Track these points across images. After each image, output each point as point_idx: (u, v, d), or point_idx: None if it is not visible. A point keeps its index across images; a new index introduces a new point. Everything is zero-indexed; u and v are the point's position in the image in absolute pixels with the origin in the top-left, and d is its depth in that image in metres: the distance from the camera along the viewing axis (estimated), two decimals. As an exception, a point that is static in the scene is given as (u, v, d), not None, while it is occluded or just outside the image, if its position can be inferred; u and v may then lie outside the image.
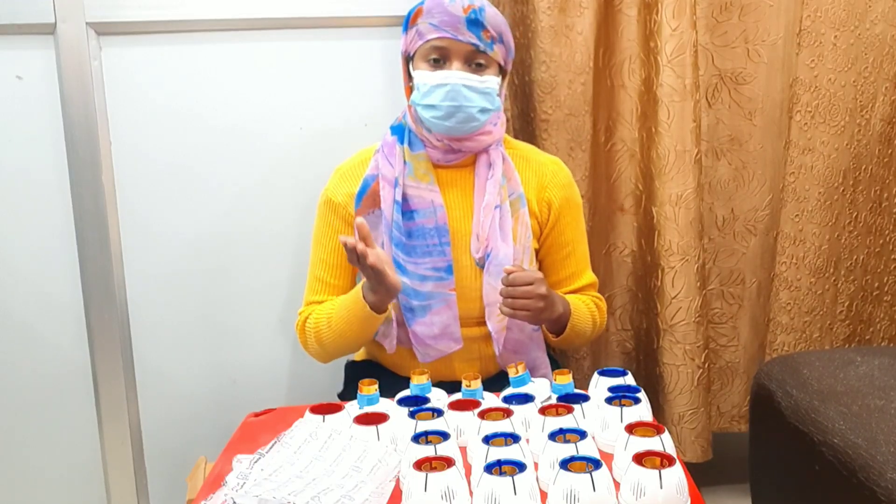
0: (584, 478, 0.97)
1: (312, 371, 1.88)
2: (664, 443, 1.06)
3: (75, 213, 1.79)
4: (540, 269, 1.60)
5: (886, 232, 2.01)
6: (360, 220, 1.38)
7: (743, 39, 1.86)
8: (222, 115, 1.82)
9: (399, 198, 1.50)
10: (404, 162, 1.52)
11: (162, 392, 1.90)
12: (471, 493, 1.03)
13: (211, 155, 1.83)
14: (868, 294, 2.03)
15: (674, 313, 1.83)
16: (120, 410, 1.87)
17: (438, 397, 1.33)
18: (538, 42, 1.78)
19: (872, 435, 1.27)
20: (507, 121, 1.84)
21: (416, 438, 1.10)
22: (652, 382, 1.91)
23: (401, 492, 1.08)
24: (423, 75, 1.48)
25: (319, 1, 1.79)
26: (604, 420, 1.18)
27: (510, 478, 0.97)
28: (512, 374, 1.33)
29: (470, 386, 1.30)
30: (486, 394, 1.31)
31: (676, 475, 0.99)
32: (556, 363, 1.65)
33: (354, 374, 1.64)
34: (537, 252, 1.59)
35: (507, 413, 1.17)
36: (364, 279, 1.46)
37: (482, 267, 1.52)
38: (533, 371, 1.53)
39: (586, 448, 1.05)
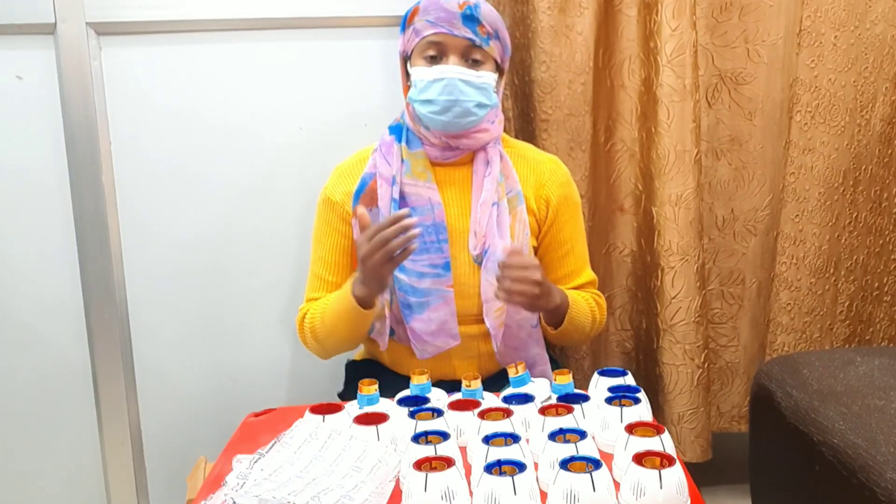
0: (584, 478, 0.97)
1: (312, 371, 1.88)
2: (664, 443, 1.06)
3: (75, 213, 1.79)
4: None
5: (886, 232, 2.01)
6: (361, 209, 1.41)
7: (743, 39, 1.86)
8: (222, 114, 1.82)
9: (396, 195, 1.51)
10: (402, 160, 1.53)
11: (162, 392, 1.91)
12: (471, 493, 1.03)
13: (211, 155, 1.83)
14: (868, 294, 2.03)
15: (673, 313, 1.83)
16: (120, 410, 1.87)
17: (438, 397, 1.33)
18: (538, 42, 1.78)
19: (872, 435, 1.27)
20: (508, 120, 1.84)
21: (416, 438, 1.10)
22: (652, 382, 1.91)
23: (401, 492, 1.08)
24: (420, 71, 1.49)
25: (319, 1, 1.80)
26: (604, 420, 1.18)
27: (510, 478, 0.97)
28: (512, 374, 1.33)
29: (470, 386, 1.30)
30: (486, 394, 1.32)
31: (676, 475, 0.99)
32: (556, 363, 1.65)
33: (354, 374, 1.65)
34: (536, 250, 1.59)
35: (507, 413, 1.17)
36: (355, 274, 1.46)
37: (480, 264, 1.52)
38: (532, 367, 1.54)
39: (586, 448, 1.05)
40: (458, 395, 1.31)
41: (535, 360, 1.56)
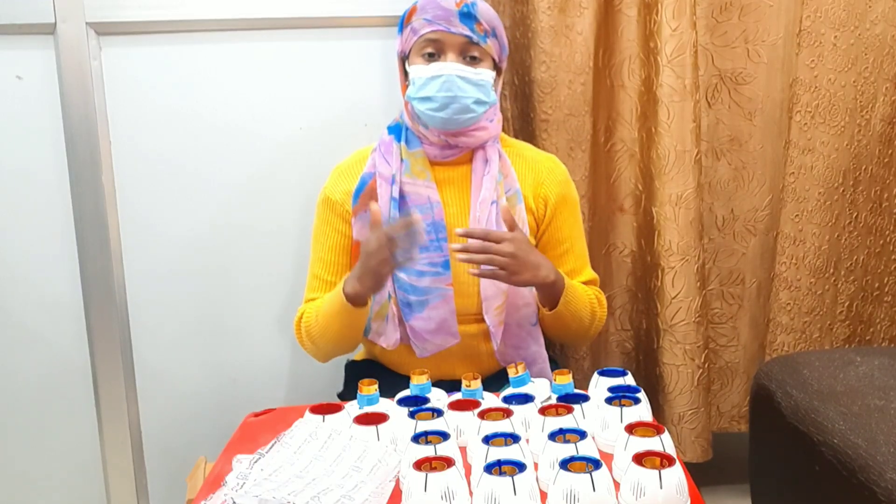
0: (584, 478, 0.97)
1: (312, 371, 1.88)
2: (664, 443, 1.06)
3: (75, 213, 1.79)
4: None
5: (887, 232, 2.01)
6: (376, 206, 1.42)
7: (743, 39, 1.86)
8: (222, 114, 1.82)
9: (396, 195, 1.51)
10: (401, 159, 1.53)
11: (162, 392, 1.91)
12: (471, 493, 1.03)
13: (211, 155, 1.83)
14: (868, 294, 2.03)
15: (674, 313, 1.83)
16: (120, 410, 1.87)
17: (438, 397, 1.33)
18: (538, 42, 1.78)
19: (872, 435, 1.28)
20: (507, 121, 1.85)
21: (416, 438, 1.10)
22: (652, 382, 1.91)
23: (401, 492, 1.08)
24: (418, 69, 1.49)
25: (319, 1, 1.80)
26: (604, 420, 1.18)
27: (510, 478, 0.97)
28: (512, 373, 1.33)
29: (470, 386, 1.30)
30: (486, 394, 1.31)
31: (676, 475, 0.99)
32: (556, 363, 1.65)
33: (354, 374, 1.65)
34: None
35: (507, 413, 1.17)
36: (350, 272, 1.46)
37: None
38: (530, 366, 1.53)
39: (586, 448, 1.05)
40: (458, 395, 1.31)
41: (534, 358, 1.56)
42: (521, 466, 1.00)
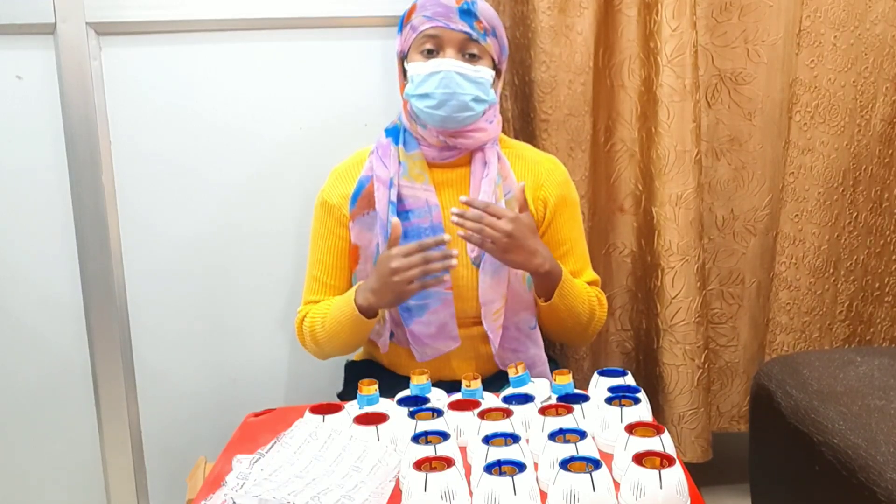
0: (584, 478, 0.97)
1: (312, 371, 1.88)
2: (664, 443, 1.06)
3: (75, 213, 1.79)
4: None
5: (887, 232, 2.01)
6: (395, 220, 1.43)
7: (743, 40, 1.86)
8: (222, 114, 1.82)
9: (394, 198, 1.50)
10: (399, 162, 1.53)
11: (162, 392, 1.91)
12: (471, 493, 1.03)
13: (211, 155, 1.83)
14: (868, 294, 2.03)
15: (674, 313, 1.83)
16: (120, 410, 1.87)
17: (438, 397, 1.33)
18: (538, 42, 1.78)
19: (872, 435, 1.28)
20: (507, 121, 1.84)
21: (416, 438, 1.10)
22: (652, 383, 1.91)
23: (401, 492, 1.08)
24: (417, 66, 1.49)
25: (319, 1, 1.80)
26: (604, 420, 1.18)
27: (510, 478, 0.97)
28: (512, 374, 1.33)
29: (470, 386, 1.30)
30: (486, 394, 1.31)
31: (676, 475, 0.99)
32: (556, 363, 1.65)
33: (354, 374, 1.64)
34: None
35: (507, 413, 1.17)
36: (362, 282, 1.46)
37: (478, 266, 1.51)
38: (530, 369, 1.53)
39: (586, 448, 1.05)
40: (457, 395, 1.31)
41: (533, 362, 1.56)
42: (521, 466, 1.00)
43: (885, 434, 1.27)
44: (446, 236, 1.42)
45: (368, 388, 1.29)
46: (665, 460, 1.01)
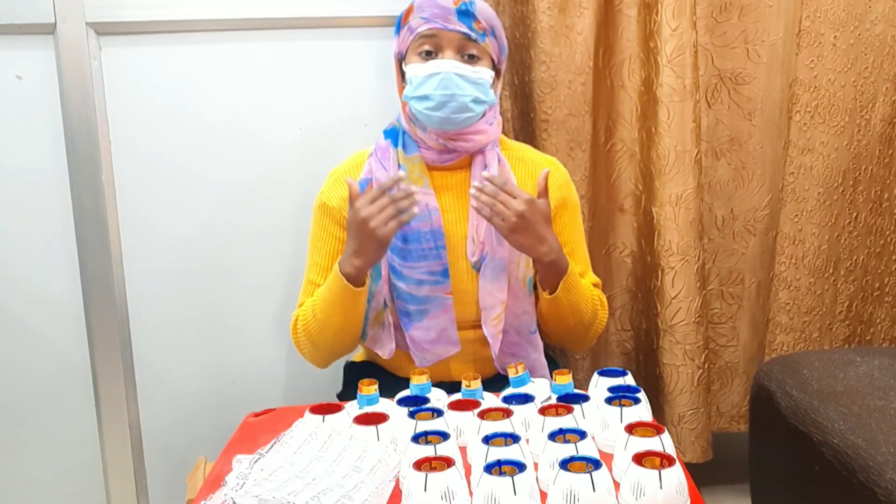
0: (584, 478, 0.97)
1: (312, 371, 1.86)
2: (664, 443, 1.06)
3: (75, 213, 1.79)
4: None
5: (887, 232, 2.01)
6: (350, 179, 1.42)
7: (742, 40, 1.86)
8: (222, 114, 1.82)
9: None
10: (398, 165, 1.51)
11: (162, 392, 1.91)
12: (471, 493, 1.03)
13: (211, 155, 1.83)
14: (868, 294, 2.03)
15: (674, 314, 1.83)
16: (120, 410, 1.87)
17: (438, 397, 1.33)
18: (538, 42, 1.78)
19: (872, 435, 1.28)
20: (507, 121, 1.84)
21: (416, 438, 1.10)
22: (652, 383, 1.91)
23: (401, 492, 1.08)
24: (415, 68, 1.47)
25: (319, 1, 1.80)
26: (604, 420, 1.18)
27: (510, 478, 0.97)
28: (512, 374, 1.33)
29: (470, 386, 1.30)
30: (486, 394, 1.31)
31: (676, 475, 0.99)
32: (556, 363, 1.65)
33: (354, 375, 1.64)
34: None
35: (507, 413, 1.17)
36: (341, 256, 1.45)
37: (478, 270, 1.51)
38: (530, 373, 1.52)
39: (586, 448, 1.05)
40: (458, 396, 1.31)
41: (533, 366, 1.55)
42: (521, 466, 1.00)
43: (885, 434, 1.27)
44: (402, 173, 1.41)
45: (368, 388, 1.29)
46: (665, 460, 1.01)
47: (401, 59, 1.53)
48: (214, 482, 1.13)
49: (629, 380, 1.31)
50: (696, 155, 1.80)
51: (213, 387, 1.92)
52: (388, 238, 1.40)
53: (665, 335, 1.84)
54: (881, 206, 1.99)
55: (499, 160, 1.54)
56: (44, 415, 1.87)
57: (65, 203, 1.79)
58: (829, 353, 1.60)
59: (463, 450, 1.16)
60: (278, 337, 1.92)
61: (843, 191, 1.93)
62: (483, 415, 1.18)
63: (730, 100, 1.89)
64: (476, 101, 1.47)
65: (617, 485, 1.03)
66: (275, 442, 1.17)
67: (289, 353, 1.92)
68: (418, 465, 1.03)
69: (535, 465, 1.08)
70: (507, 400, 1.27)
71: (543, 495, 1.02)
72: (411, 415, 1.20)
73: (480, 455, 1.04)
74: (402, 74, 1.54)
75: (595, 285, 1.61)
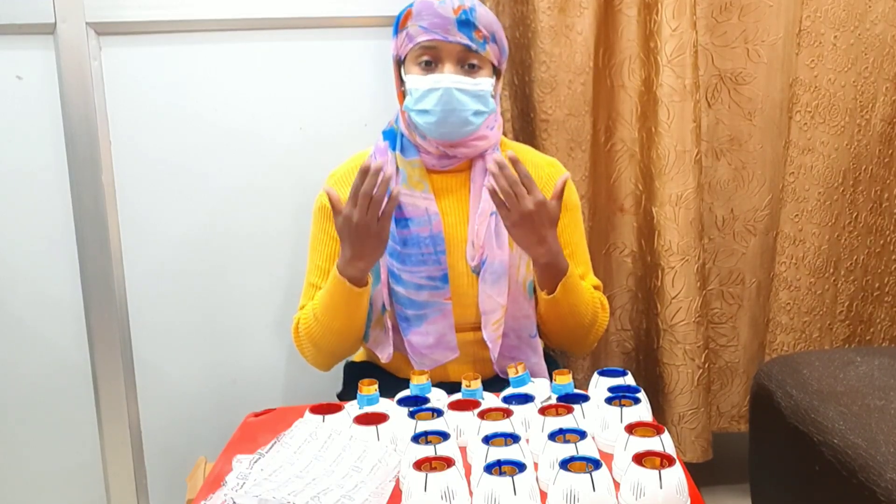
0: (584, 478, 0.97)
1: (312, 371, 1.86)
2: (664, 443, 1.06)
3: (75, 213, 1.79)
4: None
5: (887, 232, 2.01)
6: (328, 187, 1.39)
7: (743, 39, 1.86)
8: (222, 114, 1.82)
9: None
10: (397, 169, 1.51)
11: (162, 392, 1.91)
12: (471, 493, 1.03)
13: (211, 154, 1.83)
14: (868, 294, 2.03)
15: (674, 313, 1.83)
16: (120, 410, 1.87)
17: (438, 397, 1.33)
18: (538, 42, 1.78)
19: (872, 435, 1.28)
20: (507, 121, 1.84)
21: (416, 438, 1.10)
22: (652, 382, 1.91)
23: (401, 492, 1.08)
24: (415, 80, 1.46)
25: (319, 1, 1.79)
26: (604, 420, 1.18)
27: (510, 478, 0.97)
28: (512, 374, 1.33)
29: (470, 386, 1.29)
30: (486, 394, 1.31)
31: (676, 475, 0.99)
32: (556, 363, 1.65)
33: (354, 375, 1.64)
34: None
35: (507, 413, 1.17)
36: (338, 261, 1.43)
37: (477, 274, 1.50)
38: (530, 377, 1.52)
39: (586, 448, 1.05)
40: (458, 396, 1.31)
41: (532, 370, 1.54)
42: (521, 466, 1.00)
43: (885, 434, 1.27)
44: (378, 164, 1.35)
45: (368, 388, 1.29)
46: (665, 460, 1.01)
47: (399, 62, 1.52)
48: (214, 482, 1.13)
49: (629, 380, 1.31)
50: (696, 155, 1.80)
51: (213, 387, 1.92)
52: (382, 231, 1.38)
53: (665, 335, 1.84)
54: (881, 206, 1.99)
55: None
56: (44, 415, 1.87)
57: (65, 203, 1.79)
58: (830, 353, 1.60)
59: (463, 450, 1.16)
60: (278, 337, 1.92)
61: (843, 191, 1.93)
62: (483, 415, 1.18)
63: (730, 100, 1.89)
64: (477, 113, 1.46)
65: (617, 485, 1.03)
66: (275, 442, 1.17)
67: (289, 353, 1.92)
68: (418, 465, 1.03)
69: (535, 465, 1.08)
70: (507, 400, 1.27)
71: (543, 495, 1.02)
72: (411, 415, 1.20)
73: (480, 455, 1.04)
74: (400, 77, 1.52)
75: (596, 287, 1.61)
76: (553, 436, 1.09)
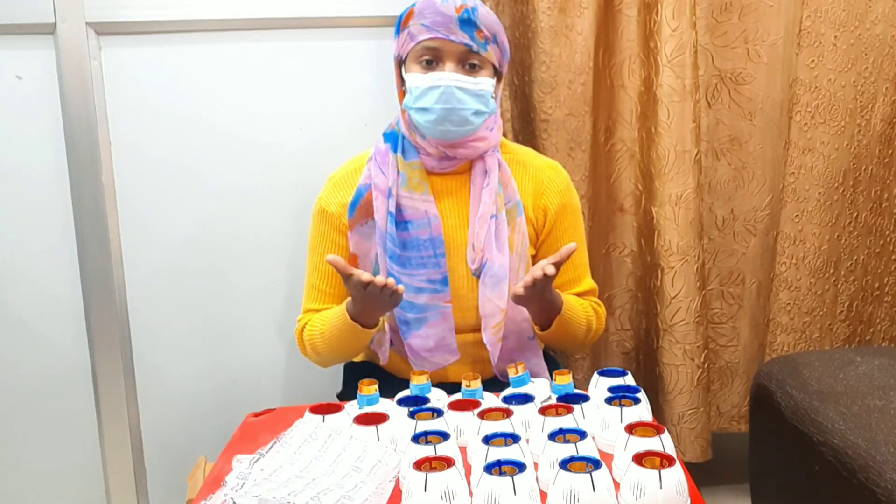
0: (584, 478, 0.97)
1: (312, 371, 1.87)
2: (664, 443, 1.06)
3: (75, 213, 1.79)
4: None
5: (887, 232, 2.01)
6: (331, 257, 1.35)
7: (743, 40, 1.86)
8: (222, 115, 1.82)
9: (392, 209, 1.48)
10: (398, 171, 1.50)
11: (162, 392, 1.91)
12: (471, 493, 1.03)
13: (211, 154, 1.83)
14: (868, 294, 2.03)
15: (673, 313, 1.83)
16: (120, 410, 1.87)
17: (438, 397, 1.33)
18: (538, 42, 1.78)
19: (872, 435, 1.28)
20: (507, 121, 1.84)
21: (416, 438, 1.10)
22: (652, 382, 1.91)
23: (401, 492, 1.08)
24: (416, 78, 1.45)
25: (319, 1, 1.79)
26: (604, 420, 1.18)
27: (510, 478, 0.97)
28: (512, 374, 1.33)
29: (470, 386, 1.29)
30: (486, 394, 1.31)
31: (676, 475, 0.99)
32: (556, 363, 1.65)
33: (354, 375, 1.64)
34: (534, 259, 1.56)
35: (507, 413, 1.17)
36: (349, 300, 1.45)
37: (478, 277, 1.50)
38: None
39: (586, 448, 1.05)
40: (458, 396, 1.31)
41: (532, 371, 1.53)
42: (521, 466, 1.00)
43: (885, 434, 1.27)
44: (330, 257, 1.36)
45: (368, 388, 1.29)
46: (665, 460, 1.01)
47: (400, 61, 1.51)
48: (214, 482, 1.13)
49: (629, 380, 1.31)
50: (696, 155, 1.80)
51: (213, 387, 1.92)
52: (395, 299, 1.40)
53: (665, 335, 1.84)
54: (881, 206, 1.99)
55: (499, 165, 1.52)
56: (44, 415, 1.87)
57: (65, 203, 1.79)
58: (829, 353, 1.60)
59: (463, 450, 1.16)
60: (278, 337, 1.92)
61: (843, 191, 1.93)
62: (483, 415, 1.18)
63: (730, 100, 1.89)
64: (477, 113, 1.45)
65: (617, 485, 1.03)
66: (275, 442, 1.17)
67: (289, 353, 1.92)
68: (418, 465, 1.03)
69: (535, 465, 1.08)
70: (507, 400, 1.27)
71: (543, 495, 1.02)
72: (411, 415, 1.20)
73: (480, 455, 1.04)
74: (401, 77, 1.52)
75: (590, 291, 1.60)
76: (553, 436, 1.09)
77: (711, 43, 1.86)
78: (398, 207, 1.49)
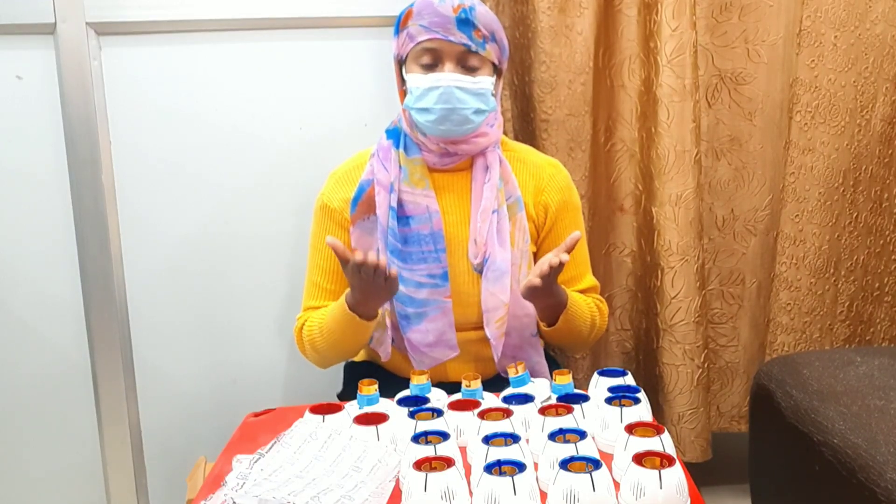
0: (584, 478, 0.97)
1: (312, 371, 1.86)
2: (664, 443, 1.06)
3: (75, 213, 1.79)
4: None
5: (887, 232, 2.01)
6: (331, 239, 1.36)
7: (743, 39, 1.86)
8: (222, 114, 1.82)
9: (394, 204, 1.49)
10: (399, 167, 1.51)
11: (162, 392, 1.91)
12: (471, 493, 1.03)
13: (211, 154, 1.83)
14: (868, 294, 2.03)
15: (673, 313, 1.83)
16: (120, 410, 1.87)
17: (438, 397, 1.33)
18: (538, 42, 1.78)
19: (872, 435, 1.28)
20: (507, 121, 1.84)
21: (416, 438, 1.10)
22: (652, 382, 1.91)
23: (401, 492, 1.08)
24: (416, 78, 1.46)
25: (319, 1, 1.79)
26: (604, 420, 1.18)
27: (510, 478, 0.97)
28: (512, 374, 1.33)
29: (470, 386, 1.29)
30: (486, 394, 1.31)
31: (676, 475, 0.99)
32: (556, 363, 1.65)
33: (354, 375, 1.64)
34: (535, 256, 1.57)
35: (507, 413, 1.17)
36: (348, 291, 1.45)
37: (480, 272, 1.51)
38: (531, 376, 1.52)
39: (586, 448, 1.05)
40: (458, 396, 1.31)
41: (534, 369, 1.54)
42: (521, 466, 1.00)
43: (885, 434, 1.27)
44: (329, 239, 1.36)
45: (368, 388, 1.29)
46: (665, 460, 1.01)
47: (400, 62, 1.52)
48: (214, 482, 1.13)
49: (629, 380, 1.31)
50: (696, 155, 1.80)
51: (213, 387, 1.92)
52: (392, 286, 1.41)
53: (665, 335, 1.84)
54: (881, 206, 1.99)
55: (500, 162, 1.53)
56: (44, 415, 1.87)
57: (65, 203, 1.79)
58: (830, 353, 1.60)
59: (463, 450, 1.16)
60: (278, 337, 1.92)
61: (843, 191, 1.93)
62: (483, 415, 1.18)
63: (730, 100, 1.89)
64: (477, 111, 1.46)
65: (617, 485, 1.03)
66: (275, 442, 1.17)
67: (289, 353, 1.93)
68: (418, 465, 1.03)
69: (535, 465, 1.08)
70: (507, 400, 1.27)
71: (543, 495, 1.02)
72: (411, 415, 1.20)
73: (480, 455, 1.04)
74: (401, 77, 1.53)
75: (592, 288, 1.61)
76: (553, 436, 1.09)
77: (711, 43, 1.86)
78: (399, 202, 1.50)
